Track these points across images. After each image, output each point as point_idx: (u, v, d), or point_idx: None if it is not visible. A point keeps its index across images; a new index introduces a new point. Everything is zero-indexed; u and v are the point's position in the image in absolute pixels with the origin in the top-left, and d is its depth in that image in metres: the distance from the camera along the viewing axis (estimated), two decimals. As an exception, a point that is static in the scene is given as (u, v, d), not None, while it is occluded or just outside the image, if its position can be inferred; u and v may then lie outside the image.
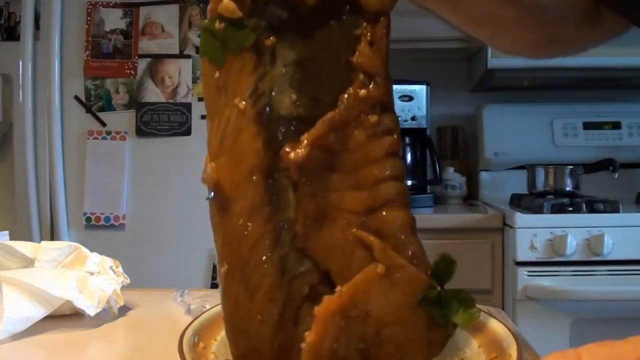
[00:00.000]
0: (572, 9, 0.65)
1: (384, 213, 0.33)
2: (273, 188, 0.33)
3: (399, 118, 1.90)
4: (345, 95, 0.33)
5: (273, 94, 0.33)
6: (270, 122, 0.33)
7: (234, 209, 0.33)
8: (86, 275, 0.69)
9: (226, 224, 0.34)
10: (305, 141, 0.32)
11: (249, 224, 0.33)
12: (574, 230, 1.64)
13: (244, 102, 0.33)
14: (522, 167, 2.08)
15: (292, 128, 0.33)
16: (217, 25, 0.33)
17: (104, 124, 1.72)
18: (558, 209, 1.72)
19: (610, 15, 0.64)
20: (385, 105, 0.34)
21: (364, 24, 0.34)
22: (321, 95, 0.34)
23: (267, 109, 0.33)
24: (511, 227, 1.71)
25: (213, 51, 0.33)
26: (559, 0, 0.65)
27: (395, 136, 0.34)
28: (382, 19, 0.34)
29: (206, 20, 0.33)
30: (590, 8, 0.65)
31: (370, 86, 0.33)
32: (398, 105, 2.03)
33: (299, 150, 0.32)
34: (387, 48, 0.34)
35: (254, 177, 0.33)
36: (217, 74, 0.33)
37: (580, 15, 0.65)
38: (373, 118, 0.33)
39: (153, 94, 1.71)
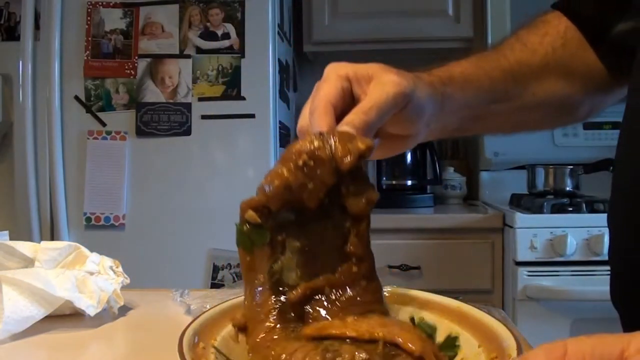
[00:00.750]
0: (593, 86, 0.69)
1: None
2: (283, 319, 0.45)
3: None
4: (341, 269, 0.47)
5: (283, 272, 0.47)
6: (282, 289, 0.46)
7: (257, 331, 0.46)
8: (86, 275, 0.69)
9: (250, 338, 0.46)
10: (303, 285, 0.46)
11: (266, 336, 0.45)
12: (574, 230, 1.64)
13: (263, 278, 0.46)
14: (522, 167, 2.08)
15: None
16: (245, 227, 0.46)
17: (104, 124, 1.72)
18: (558, 209, 1.72)
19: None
20: (370, 277, 0.48)
21: (350, 221, 0.47)
22: (319, 270, 0.47)
23: (279, 281, 0.46)
24: (511, 227, 1.71)
25: (245, 244, 0.46)
26: (580, 87, 0.69)
27: (378, 296, 0.48)
28: (364, 219, 0.47)
29: (238, 223, 0.46)
30: (609, 78, 0.69)
31: (361, 265, 0.47)
32: (398, 105, 2.03)
33: (295, 292, 0.46)
34: (369, 236, 0.48)
35: (269, 315, 0.45)
36: (248, 258, 0.46)
37: (603, 85, 0.69)
38: (363, 283, 0.47)
39: (153, 94, 1.71)
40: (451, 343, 0.45)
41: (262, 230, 0.46)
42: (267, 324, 0.44)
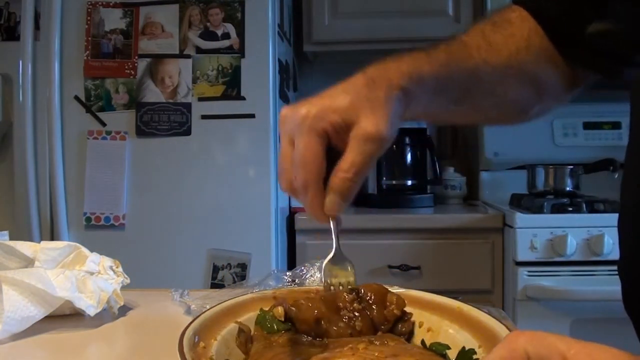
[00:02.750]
0: (547, 93, 0.71)
1: None
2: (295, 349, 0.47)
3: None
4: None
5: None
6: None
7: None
8: (86, 275, 0.69)
9: None
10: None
11: None
12: (574, 230, 1.64)
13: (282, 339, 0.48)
14: (522, 167, 2.08)
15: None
16: (270, 315, 0.50)
17: (104, 124, 1.72)
18: (558, 209, 1.72)
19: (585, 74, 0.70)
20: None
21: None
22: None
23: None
24: (511, 227, 1.71)
25: (264, 327, 0.50)
26: (536, 93, 0.70)
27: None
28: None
29: (267, 309, 0.51)
30: (564, 84, 0.71)
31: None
32: (398, 105, 2.03)
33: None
34: None
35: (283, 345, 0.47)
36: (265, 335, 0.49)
37: (557, 92, 0.71)
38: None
39: (153, 94, 1.71)
40: (468, 356, 0.44)
41: (280, 324, 0.50)
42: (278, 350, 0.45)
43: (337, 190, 0.52)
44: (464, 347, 0.45)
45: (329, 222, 0.55)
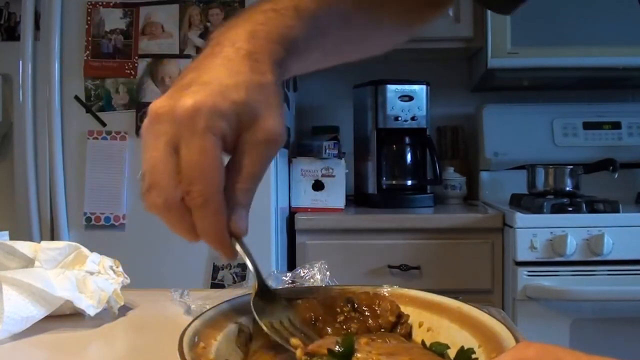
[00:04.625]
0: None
1: None
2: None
3: (399, 118, 1.88)
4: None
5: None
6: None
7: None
8: (86, 275, 0.69)
9: None
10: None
11: None
12: (574, 230, 1.64)
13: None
14: (522, 167, 2.08)
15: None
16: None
17: (104, 124, 1.72)
18: (558, 209, 1.72)
19: None
20: None
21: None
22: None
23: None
24: (511, 227, 1.71)
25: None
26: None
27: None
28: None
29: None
30: None
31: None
32: (398, 105, 2.03)
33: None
34: None
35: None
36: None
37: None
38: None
39: (153, 94, 1.70)
40: (466, 356, 0.44)
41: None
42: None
43: (245, 204, 0.45)
44: (462, 347, 0.45)
45: (234, 252, 0.48)
